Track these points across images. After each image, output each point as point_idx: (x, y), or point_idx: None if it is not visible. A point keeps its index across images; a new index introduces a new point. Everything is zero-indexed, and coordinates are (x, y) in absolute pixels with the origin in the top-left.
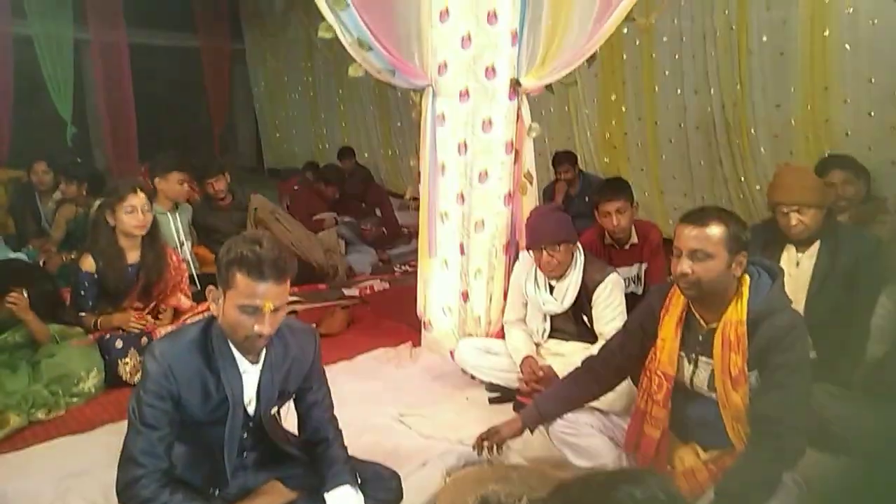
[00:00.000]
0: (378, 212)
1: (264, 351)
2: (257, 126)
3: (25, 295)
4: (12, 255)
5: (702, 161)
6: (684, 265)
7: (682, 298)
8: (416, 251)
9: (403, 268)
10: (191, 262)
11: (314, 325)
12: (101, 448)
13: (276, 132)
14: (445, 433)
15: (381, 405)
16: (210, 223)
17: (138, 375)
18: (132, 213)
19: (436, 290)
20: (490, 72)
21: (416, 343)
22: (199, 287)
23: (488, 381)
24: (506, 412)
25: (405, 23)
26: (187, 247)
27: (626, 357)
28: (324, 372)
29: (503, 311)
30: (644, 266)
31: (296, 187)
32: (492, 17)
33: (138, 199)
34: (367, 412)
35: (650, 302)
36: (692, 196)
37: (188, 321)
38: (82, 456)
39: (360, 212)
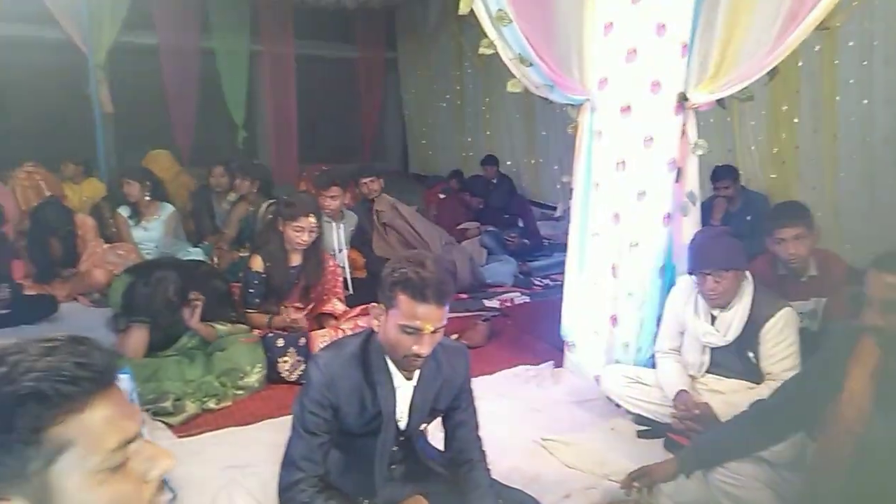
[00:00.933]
0: (520, 222)
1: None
2: (404, 133)
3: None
4: (192, 250)
5: (890, 181)
6: (880, 318)
7: (875, 349)
8: (557, 264)
9: (544, 281)
10: (345, 268)
11: (457, 337)
12: (262, 443)
13: (422, 139)
14: (590, 465)
15: (522, 426)
16: (366, 222)
17: (296, 374)
18: (299, 233)
19: (582, 311)
20: (655, 86)
21: (559, 363)
22: (351, 291)
23: (636, 412)
24: (655, 449)
25: (566, 37)
26: (344, 253)
27: (803, 407)
28: (472, 392)
29: (655, 339)
30: (822, 301)
31: (441, 196)
32: (661, 28)
33: (307, 222)
34: (507, 432)
35: (835, 347)
36: (873, 220)
37: (343, 326)
38: (245, 448)
39: (503, 222)
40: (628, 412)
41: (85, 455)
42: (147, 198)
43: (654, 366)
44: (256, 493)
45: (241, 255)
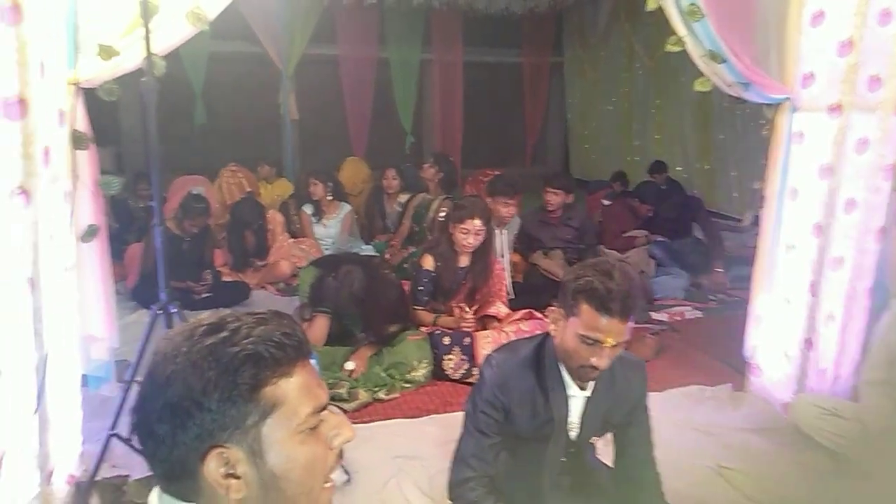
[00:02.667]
0: (697, 233)
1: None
2: (566, 137)
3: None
4: (364, 247)
5: None
6: None
7: None
8: (736, 279)
9: (719, 296)
10: (508, 271)
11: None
12: (429, 436)
13: (584, 143)
14: (774, 500)
15: (696, 450)
16: (534, 233)
17: (459, 372)
18: (465, 235)
19: (772, 332)
20: (874, 82)
21: (738, 386)
22: (512, 295)
23: (830, 447)
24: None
25: (765, 31)
26: (507, 257)
27: None
28: (647, 409)
29: (858, 368)
30: None
31: (605, 201)
32: (885, 16)
33: (473, 225)
34: (679, 455)
35: None
36: None
37: (506, 329)
38: (413, 440)
39: (673, 231)
40: (820, 446)
41: (289, 415)
42: (329, 197)
43: (855, 398)
44: (423, 485)
45: (411, 251)
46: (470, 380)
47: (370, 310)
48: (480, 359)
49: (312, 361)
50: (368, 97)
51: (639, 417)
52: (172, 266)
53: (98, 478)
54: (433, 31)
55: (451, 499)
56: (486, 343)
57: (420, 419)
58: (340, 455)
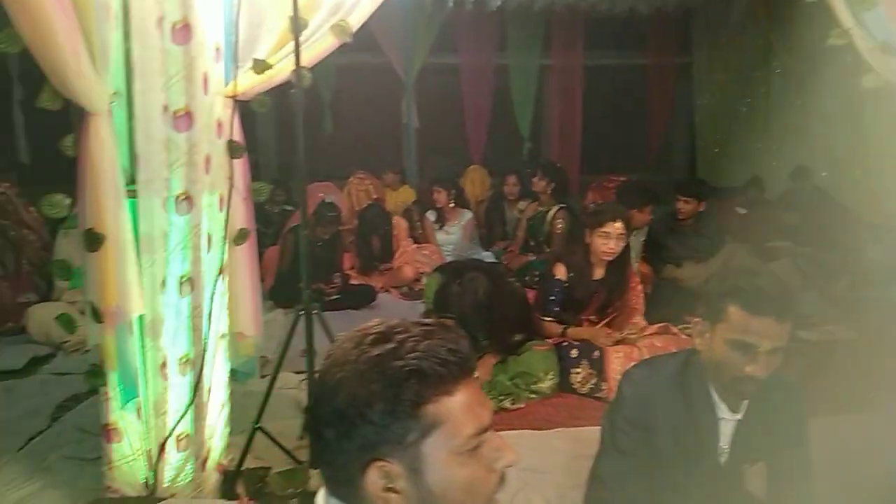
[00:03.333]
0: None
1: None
2: (693, 141)
3: None
4: (484, 253)
5: None
6: None
7: None
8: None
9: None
10: None
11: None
12: (557, 450)
13: (714, 147)
14: None
15: (858, 481)
16: (664, 241)
17: (587, 386)
18: (606, 240)
19: None
20: None
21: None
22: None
23: None
24: None
25: None
26: (635, 266)
27: None
28: (806, 436)
29: None
30: None
31: (740, 209)
32: None
33: (614, 228)
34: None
35: None
36: None
37: (638, 344)
38: (540, 453)
39: (819, 242)
40: None
41: (451, 435)
42: (451, 204)
43: None
44: (552, 499)
45: (530, 259)
46: (599, 395)
47: (495, 317)
48: (611, 374)
49: None
50: (487, 104)
51: (796, 445)
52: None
53: (243, 468)
54: (553, 36)
55: None
56: (617, 358)
57: (547, 432)
58: (504, 479)
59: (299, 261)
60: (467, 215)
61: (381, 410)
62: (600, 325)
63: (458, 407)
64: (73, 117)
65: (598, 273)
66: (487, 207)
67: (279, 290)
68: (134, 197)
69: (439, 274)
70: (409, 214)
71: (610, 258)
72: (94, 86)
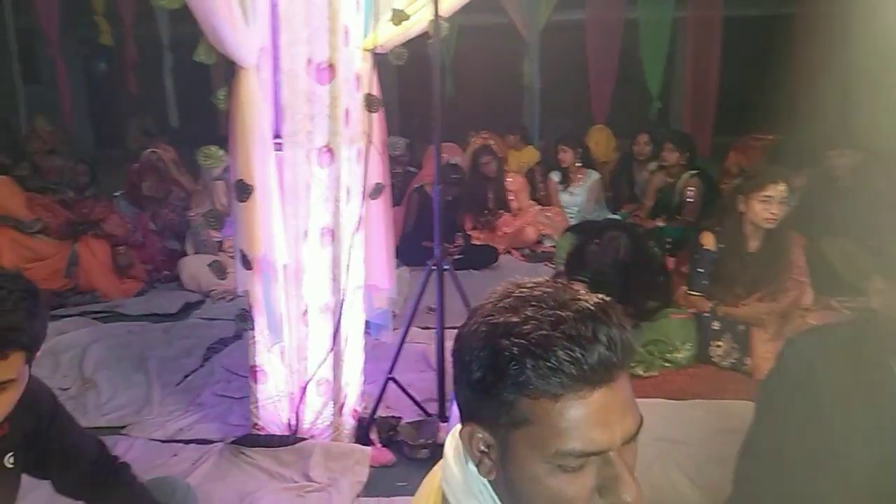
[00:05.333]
0: None
1: None
2: (845, 96)
3: None
4: (610, 216)
5: None
6: None
7: None
8: None
9: None
10: None
11: None
12: (694, 421)
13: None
14: None
15: None
16: (819, 206)
17: (729, 360)
18: (766, 203)
19: None
20: None
21: None
22: None
23: None
24: None
25: None
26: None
27: None
28: None
29: None
30: None
31: None
32: None
33: (776, 191)
34: None
35: None
36: None
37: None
38: (676, 423)
39: None
40: None
41: (539, 441)
42: (578, 164)
43: None
44: (691, 472)
45: (658, 224)
46: (742, 369)
47: (632, 280)
48: (757, 349)
49: None
50: (613, 62)
51: None
52: (428, 227)
53: (376, 416)
54: None
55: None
56: (765, 336)
57: (684, 402)
58: None
59: (423, 220)
60: (594, 176)
61: (478, 379)
62: (752, 301)
63: (560, 417)
64: (225, 73)
65: (753, 245)
66: (614, 169)
67: (404, 249)
68: (280, 149)
69: (573, 234)
70: (531, 175)
71: (772, 225)
72: (245, 40)
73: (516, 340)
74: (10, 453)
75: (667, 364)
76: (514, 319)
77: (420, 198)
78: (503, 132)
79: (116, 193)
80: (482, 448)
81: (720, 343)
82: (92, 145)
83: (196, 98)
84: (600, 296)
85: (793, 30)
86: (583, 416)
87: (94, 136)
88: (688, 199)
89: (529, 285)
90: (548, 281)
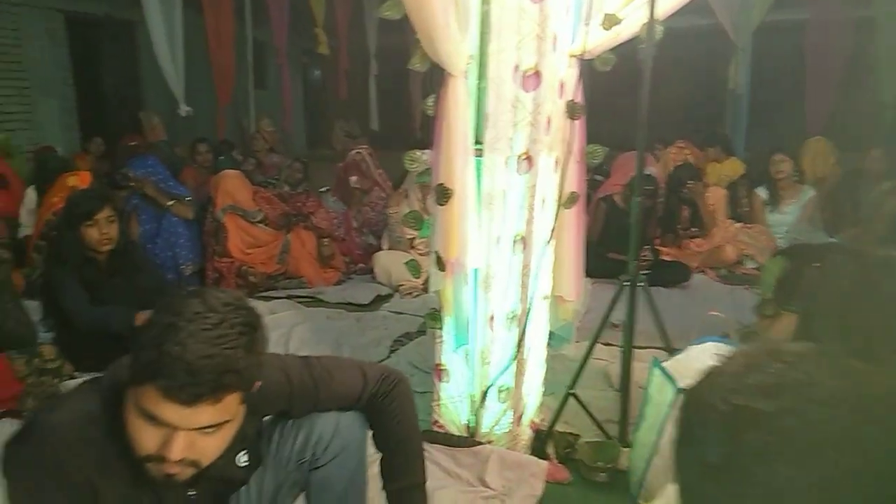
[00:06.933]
0: None
1: None
2: None
3: None
4: (829, 241)
5: None
6: None
7: None
8: None
9: None
10: None
11: None
12: None
13: None
14: None
15: None
16: None
17: None
18: None
19: None
20: None
21: None
22: None
23: None
24: None
25: None
26: None
27: None
28: None
29: None
30: None
31: None
32: None
33: None
34: None
35: None
36: None
37: None
38: None
39: None
40: None
41: None
42: (794, 179)
43: None
44: None
45: (892, 254)
46: None
47: (860, 318)
48: None
49: None
50: (836, 65)
51: None
52: (613, 239)
53: (553, 430)
54: None
55: None
56: None
57: None
58: None
59: (609, 231)
60: (808, 192)
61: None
62: None
63: None
64: (423, 82)
65: None
66: (836, 186)
67: (586, 260)
68: (480, 155)
69: (786, 257)
70: (733, 189)
71: None
72: (457, 48)
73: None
74: (244, 451)
75: None
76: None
77: (608, 208)
78: (701, 142)
79: (322, 189)
80: None
81: None
82: (303, 145)
83: (393, 104)
84: None
85: None
86: None
87: (306, 136)
88: None
89: (789, 358)
90: (813, 352)
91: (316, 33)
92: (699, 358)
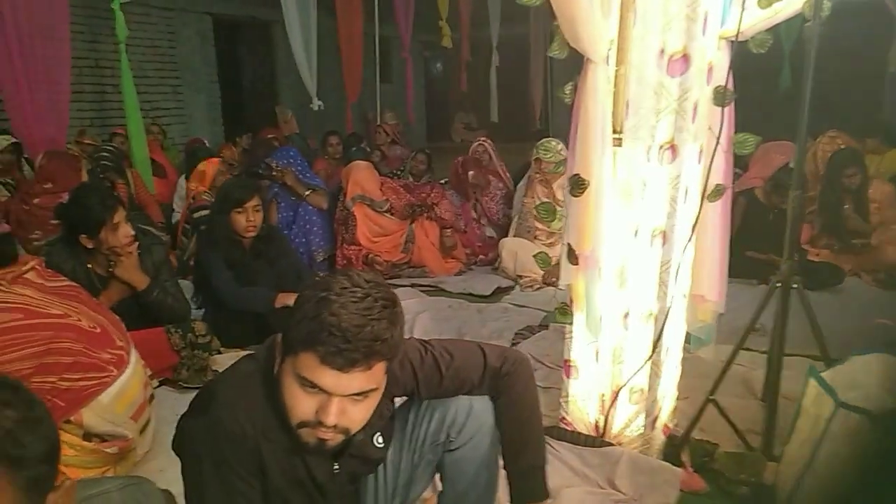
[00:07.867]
0: None
1: None
2: None
3: None
4: None
5: None
6: None
7: None
8: None
9: None
10: None
11: None
12: None
13: None
14: None
15: None
16: None
17: None
18: None
19: None
20: None
21: None
22: None
23: None
24: None
25: None
26: None
27: None
28: None
29: None
30: None
31: None
32: None
33: None
34: None
35: None
36: None
37: None
38: None
39: None
40: None
41: None
42: None
43: None
44: None
45: None
46: None
47: None
48: None
49: None
50: None
51: None
52: (755, 236)
53: (690, 437)
54: None
55: None
56: None
57: None
58: None
59: (749, 228)
60: None
61: None
62: None
63: None
64: (545, 71)
65: None
66: None
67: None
68: (618, 145)
69: None
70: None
71: None
72: (600, 32)
73: None
74: (379, 432)
75: None
76: None
77: (747, 203)
78: (857, 132)
79: (443, 181)
80: None
81: None
82: (423, 137)
83: (513, 96)
84: None
85: None
86: None
87: (426, 128)
88: None
89: None
90: None
91: (440, 26)
92: (864, 370)
